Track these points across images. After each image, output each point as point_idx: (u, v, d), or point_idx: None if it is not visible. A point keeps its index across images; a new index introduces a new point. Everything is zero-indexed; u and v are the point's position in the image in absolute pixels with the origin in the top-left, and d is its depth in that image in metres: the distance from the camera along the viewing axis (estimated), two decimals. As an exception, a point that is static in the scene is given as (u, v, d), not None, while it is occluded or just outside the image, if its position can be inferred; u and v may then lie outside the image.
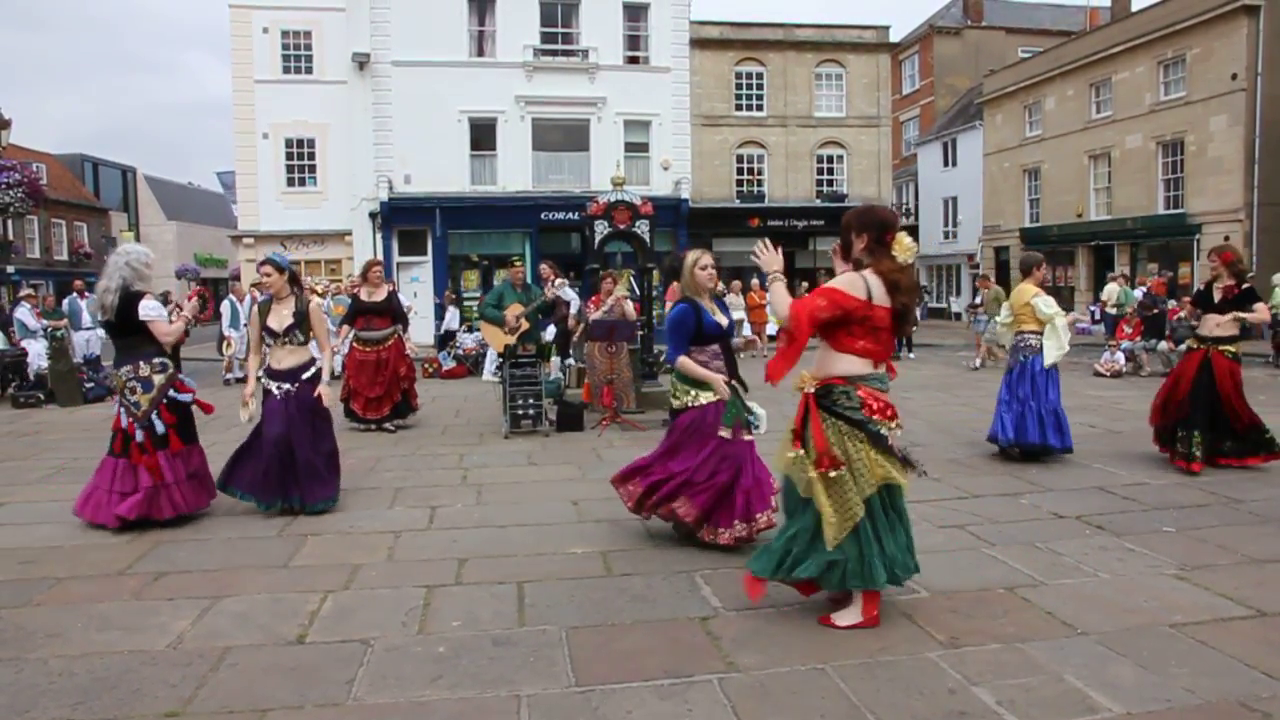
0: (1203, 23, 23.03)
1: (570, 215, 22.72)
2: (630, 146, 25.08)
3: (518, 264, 10.27)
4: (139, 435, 5.60)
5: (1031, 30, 38.53)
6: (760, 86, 26.65)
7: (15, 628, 3.94)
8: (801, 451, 3.82)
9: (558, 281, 10.06)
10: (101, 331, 15.18)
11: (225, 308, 16.50)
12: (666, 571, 4.62)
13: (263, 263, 5.97)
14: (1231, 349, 6.96)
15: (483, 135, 24.44)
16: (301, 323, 5.86)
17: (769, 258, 4.03)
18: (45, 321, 14.80)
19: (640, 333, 10.87)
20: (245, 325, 16.18)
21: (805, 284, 26.98)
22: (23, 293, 17.06)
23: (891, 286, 3.77)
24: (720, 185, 26.30)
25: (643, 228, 11.10)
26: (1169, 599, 4.12)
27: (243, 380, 15.80)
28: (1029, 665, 3.42)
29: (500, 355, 9.66)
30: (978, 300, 18.05)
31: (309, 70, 24.59)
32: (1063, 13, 40.09)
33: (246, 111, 24.36)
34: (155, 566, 4.83)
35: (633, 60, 25.29)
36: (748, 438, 5.07)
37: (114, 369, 5.82)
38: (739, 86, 26.54)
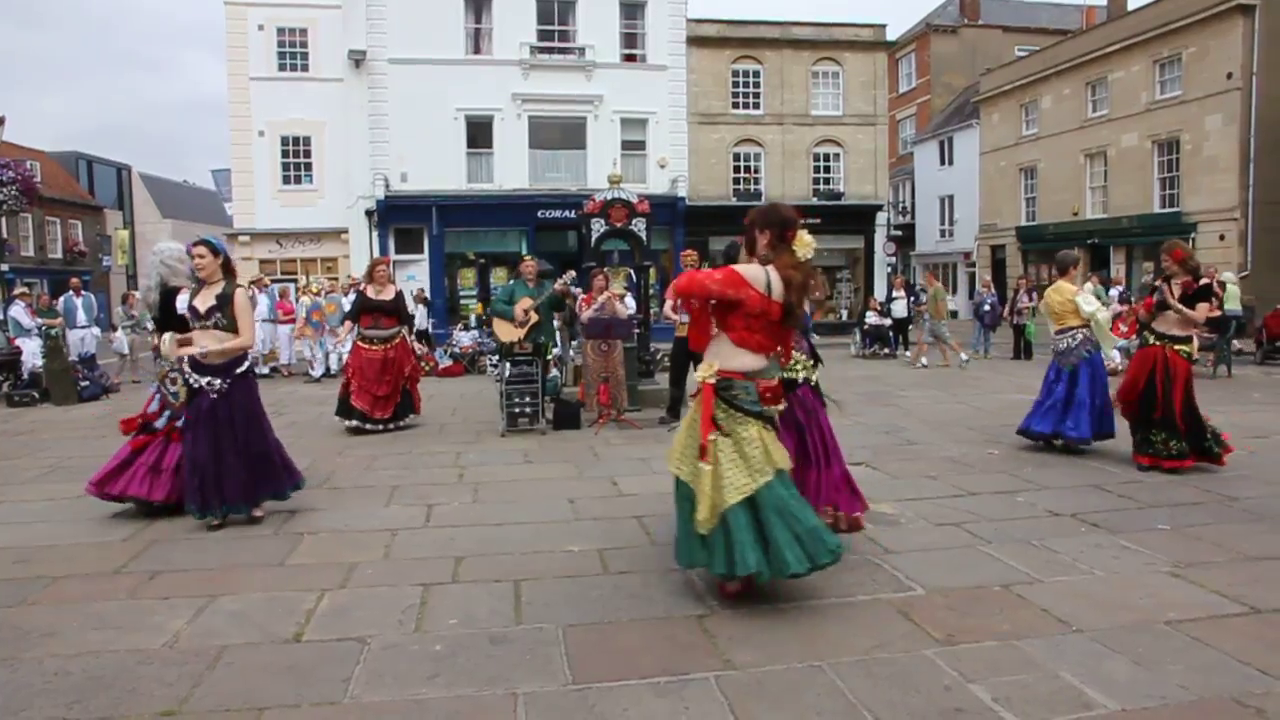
0: (1198, 22, 23.09)
1: (567, 213, 22.71)
2: (627, 145, 25.08)
3: (529, 260, 10.25)
4: (160, 422, 6.04)
5: (1028, 29, 38.60)
6: (757, 85, 26.66)
7: (10, 627, 3.93)
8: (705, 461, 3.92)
9: (568, 275, 10.04)
10: (97, 330, 15.19)
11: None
12: (663, 569, 4.62)
13: (197, 243, 5.59)
14: (1188, 349, 6.91)
15: (479, 133, 24.43)
16: (224, 307, 5.47)
17: None
18: (40, 320, 14.76)
19: (637, 331, 10.87)
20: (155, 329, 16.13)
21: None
22: (17, 291, 17.01)
23: (785, 282, 3.96)
24: (717, 183, 26.31)
25: (639, 226, 11.10)
26: (1164, 596, 4.13)
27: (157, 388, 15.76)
28: (1025, 662, 3.43)
29: (498, 352, 9.64)
30: (923, 302, 18.07)
31: (305, 68, 24.54)
32: (1059, 12, 40.16)
33: (242, 109, 24.31)
34: (151, 565, 4.82)
35: (629, 58, 25.29)
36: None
37: (155, 360, 6.18)
38: (736, 85, 26.55)
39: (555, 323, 10.95)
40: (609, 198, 11.02)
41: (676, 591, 4.30)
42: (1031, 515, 5.65)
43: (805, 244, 4.03)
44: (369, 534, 5.41)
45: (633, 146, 25.22)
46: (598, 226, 10.98)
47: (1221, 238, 22.88)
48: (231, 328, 5.50)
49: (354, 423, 9.33)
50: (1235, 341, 15.17)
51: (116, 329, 16.61)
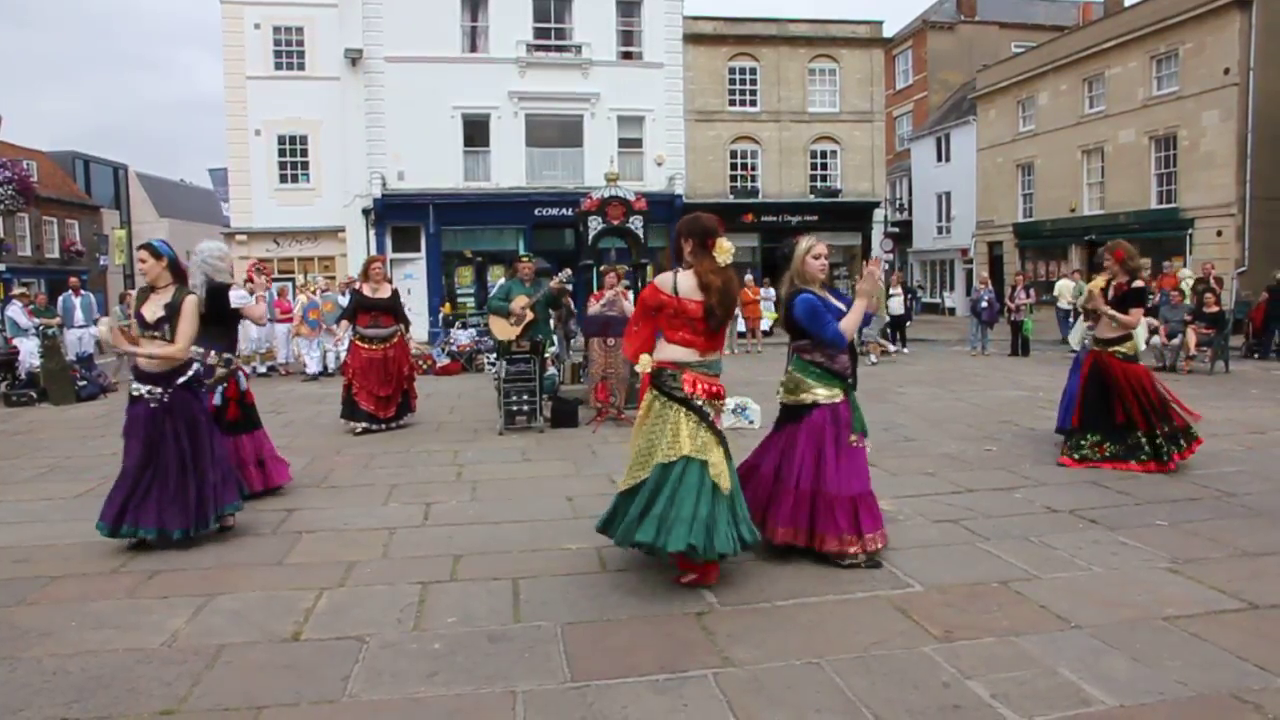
0: (1195, 17, 23.08)
1: (564, 211, 22.68)
2: (624, 142, 25.05)
3: (526, 259, 10.24)
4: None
5: (1025, 25, 38.57)
6: (754, 82, 26.63)
7: (9, 626, 3.93)
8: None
9: (564, 274, 10.02)
10: (94, 329, 15.15)
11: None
12: (661, 567, 4.61)
13: (140, 247, 5.31)
14: (1123, 350, 6.88)
15: (476, 131, 24.39)
16: (172, 317, 5.11)
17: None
18: (37, 320, 14.74)
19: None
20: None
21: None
22: (14, 291, 16.99)
23: (704, 286, 4.28)
24: (714, 181, 26.30)
25: (637, 224, 11.09)
26: (1162, 592, 4.14)
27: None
28: (1023, 659, 3.44)
29: (496, 350, 9.63)
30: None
31: (301, 66, 24.47)
32: (1056, 8, 40.14)
33: (239, 108, 24.25)
34: (149, 565, 4.82)
35: (626, 56, 25.25)
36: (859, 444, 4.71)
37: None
38: (732, 82, 26.52)
39: (551, 322, 10.94)
40: (606, 195, 11.02)
41: (675, 589, 4.30)
42: (1029, 512, 5.66)
43: (724, 250, 4.38)
44: (367, 532, 5.41)
45: (630, 144, 25.18)
46: (595, 224, 10.98)
47: (1219, 233, 22.88)
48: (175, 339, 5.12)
49: (363, 425, 9.26)
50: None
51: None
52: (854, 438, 4.60)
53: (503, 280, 15.38)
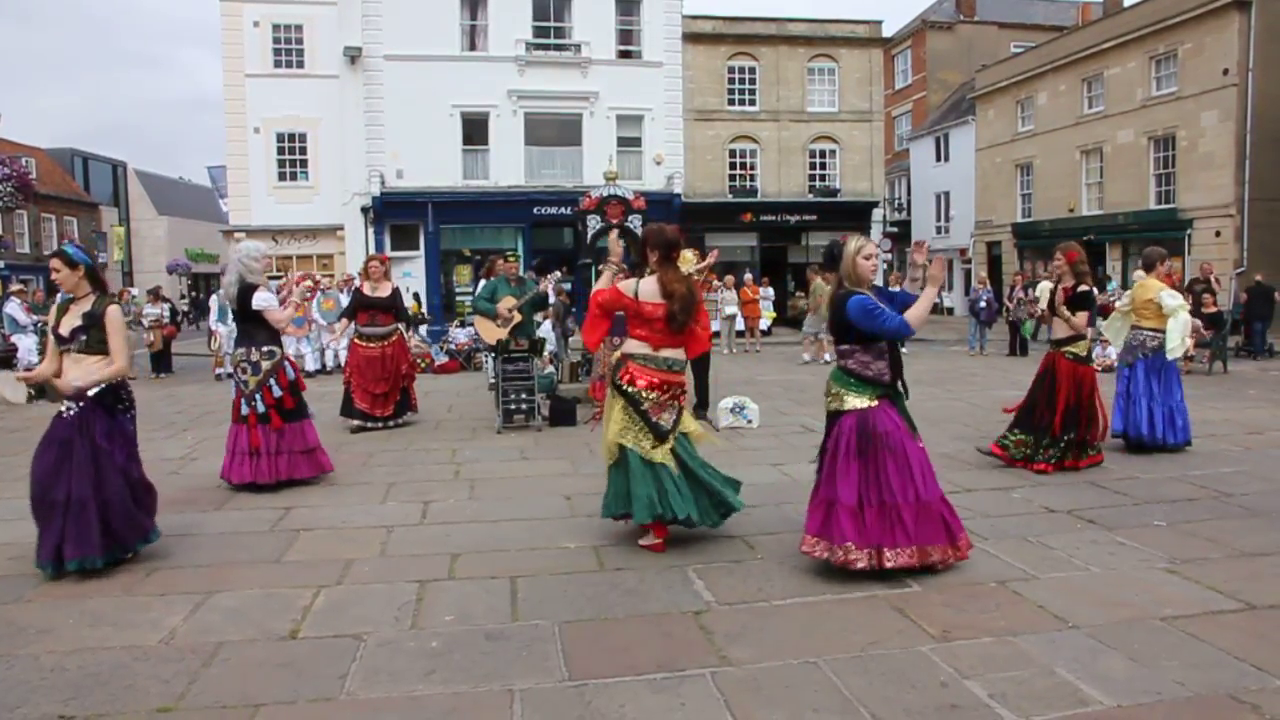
0: (1194, 18, 23.10)
1: (563, 210, 22.66)
2: (623, 141, 25.02)
3: (511, 258, 10.22)
4: (244, 409, 6.47)
5: (1024, 25, 38.59)
6: (753, 81, 26.64)
7: (6, 624, 3.93)
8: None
9: (553, 276, 10.03)
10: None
11: (214, 303, 16.45)
12: (659, 566, 4.62)
13: (52, 255, 4.89)
14: (1074, 350, 6.87)
15: (475, 130, 24.37)
16: (91, 328, 4.67)
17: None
18: (35, 317, 14.71)
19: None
20: (234, 321, 16.13)
21: (793, 282, 27.10)
22: (13, 287, 16.96)
23: (666, 294, 4.83)
24: (713, 180, 26.29)
25: (635, 223, 11.09)
26: (1160, 592, 4.14)
27: (234, 376, 15.82)
28: (1020, 658, 3.44)
29: (491, 349, 9.62)
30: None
31: (300, 64, 24.45)
32: (1055, 8, 40.17)
33: (238, 106, 24.23)
34: (147, 562, 4.81)
35: (625, 54, 25.23)
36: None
37: (232, 350, 6.80)
38: (731, 81, 26.53)
39: (549, 322, 10.94)
40: (605, 194, 11.02)
41: (673, 588, 4.30)
42: (1027, 511, 5.66)
43: (686, 260, 5.02)
44: (365, 531, 5.41)
45: (629, 143, 25.16)
46: (594, 223, 10.98)
47: (1217, 234, 22.91)
48: (100, 350, 4.70)
49: (356, 422, 9.31)
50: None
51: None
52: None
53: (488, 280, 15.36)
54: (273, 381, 6.48)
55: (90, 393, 4.66)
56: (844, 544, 4.23)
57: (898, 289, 4.74)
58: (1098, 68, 26.68)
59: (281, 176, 24.72)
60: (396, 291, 9.72)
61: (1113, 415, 7.52)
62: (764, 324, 21.56)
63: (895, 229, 34.96)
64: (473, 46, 24.49)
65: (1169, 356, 7.41)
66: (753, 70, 26.60)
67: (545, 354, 10.44)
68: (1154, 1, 24.66)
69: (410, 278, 23.85)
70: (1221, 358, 14.44)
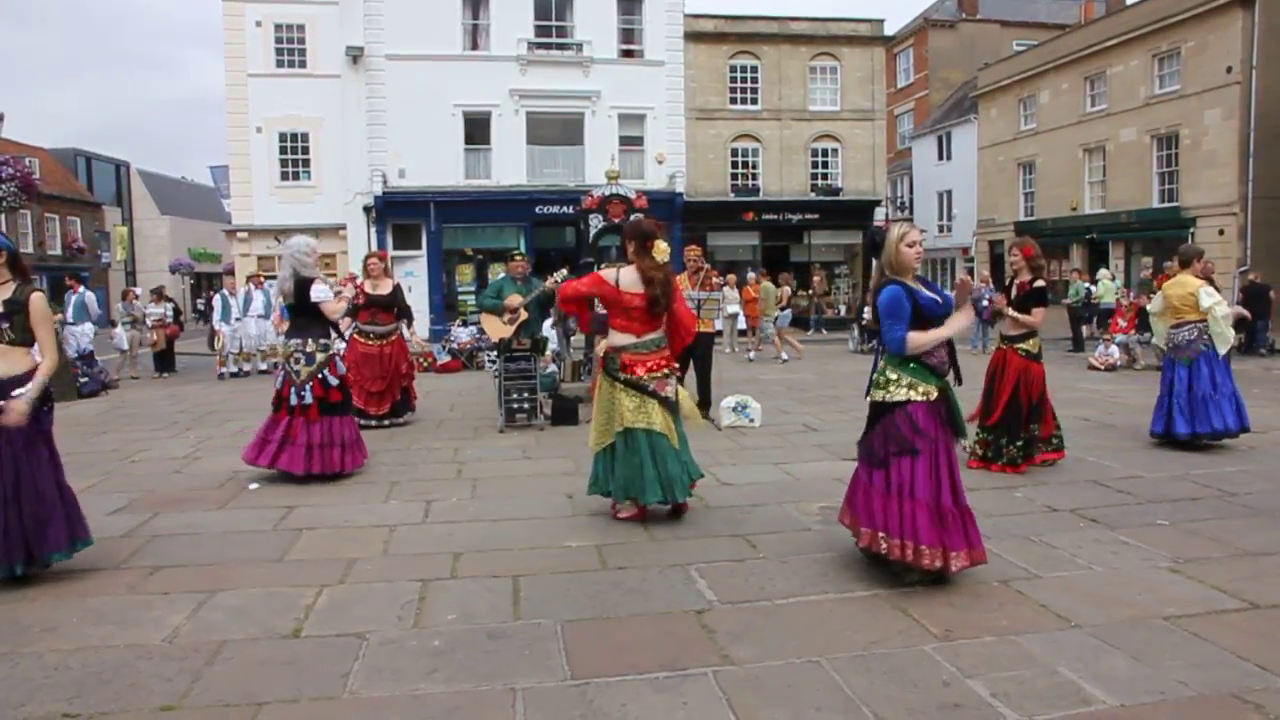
0: (1197, 16, 23.07)
1: (565, 209, 22.69)
2: (625, 140, 25.03)
3: (518, 257, 10.23)
4: (293, 398, 6.61)
5: (1026, 23, 38.58)
6: (755, 80, 26.62)
7: (10, 622, 3.93)
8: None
9: (559, 274, 10.00)
10: (90, 327, 15.14)
11: (217, 302, 16.47)
12: (661, 565, 4.62)
13: None
14: (1026, 346, 6.87)
15: (477, 129, 24.38)
16: (13, 315, 4.39)
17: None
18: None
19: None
20: (238, 320, 16.16)
21: (795, 280, 27.09)
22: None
23: (646, 280, 5.18)
24: (715, 179, 26.28)
25: (638, 222, 11.08)
26: (1163, 592, 4.14)
27: (237, 374, 15.88)
28: (1023, 658, 3.44)
29: (495, 348, 9.61)
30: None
31: (302, 64, 24.46)
32: (1058, 6, 40.12)
33: (240, 106, 24.24)
34: (150, 561, 4.82)
35: (627, 54, 25.23)
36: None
37: (284, 340, 6.91)
38: (733, 80, 26.51)
39: (549, 321, 10.94)
40: (607, 193, 11.01)
41: (675, 587, 4.30)
42: (1030, 510, 5.65)
43: (661, 250, 5.21)
44: (368, 529, 5.41)
45: (630, 142, 25.16)
46: (596, 222, 10.97)
47: (1221, 232, 22.87)
48: (24, 340, 4.44)
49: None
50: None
51: (116, 325, 16.60)
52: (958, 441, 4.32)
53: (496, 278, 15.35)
54: (325, 373, 6.69)
55: (15, 391, 4.29)
56: (919, 544, 4.08)
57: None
58: (1100, 66, 26.64)
59: (284, 176, 24.73)
60: (398, 288, 9.71)
61: (1173, 416, 7.51)
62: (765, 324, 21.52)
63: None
64: (474, 46, 24.50)
65: (1220, 352, 7.45)
66: (754, 69, 26.58)
67: (547, 352, 10.43)
68: (1157, -1, 24.64)
69: (412, 277, 23.88)
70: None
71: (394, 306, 9.49)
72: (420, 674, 3.38)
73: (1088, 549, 4.78)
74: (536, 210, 24.23)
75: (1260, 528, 5.15)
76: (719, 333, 14.28)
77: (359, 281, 9.68)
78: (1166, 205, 24.57)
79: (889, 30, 28.71)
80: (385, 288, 9.50)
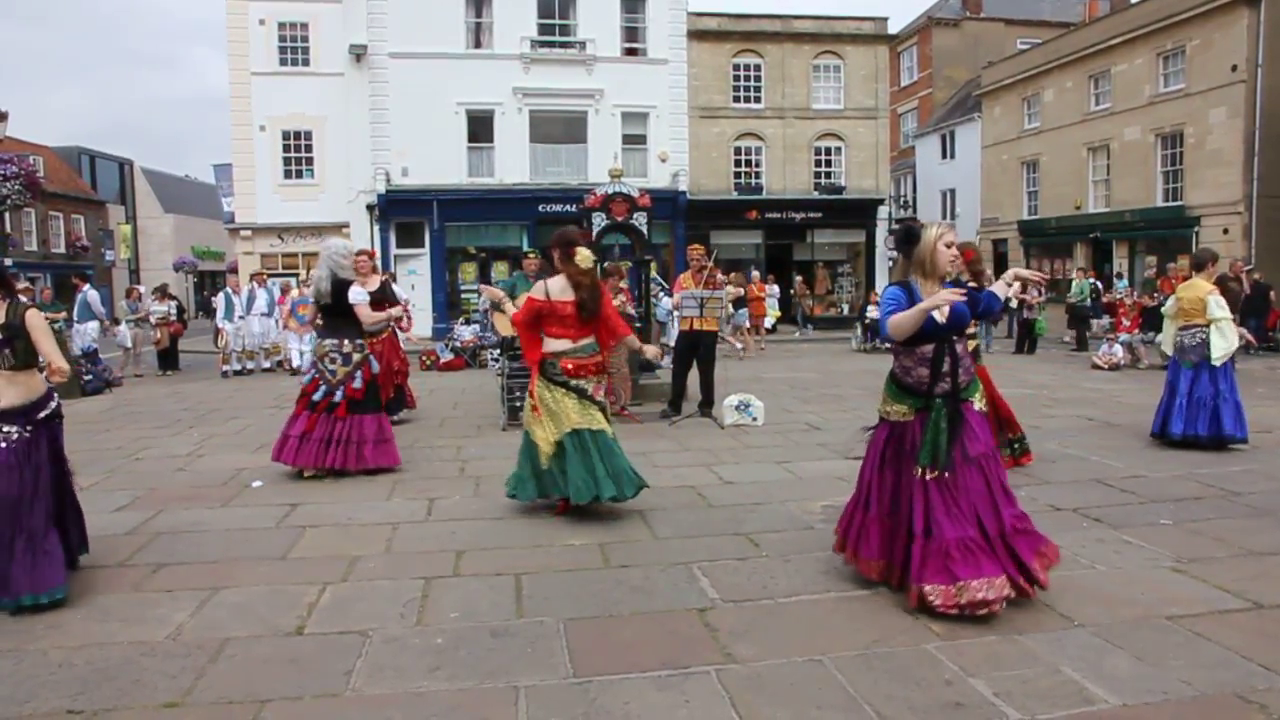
0: (1202, 14, 22.99)
1: (568, 207, 22.69)
2: (628, 139, 25.04)
3: (532, 255, 10.24)
4: (318, 394, 6.74)
5: (1030, 22, 38.44)
6: (758, 78, 26.60)
7: (15, 619, 3.94)
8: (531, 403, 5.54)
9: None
10: (94, 325, 15.18)
11: (220, 301, 16.49)
12: (664, 563, 4.62)
13: None
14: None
15: (480, 127, 24.39)
16: (15, 339, 4.10)
17: None
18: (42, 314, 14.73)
19: (637, 325, 10.86)
20: (240, 318, 16.18)
21: (800, 277, 27.07)
22: (19, 286, 16.98)
23: (575, 285, 5.40)
24: (718, 177, 26.27)
25: (640, 220, 11.07)
26: (1166, 591, 4.13)
27: (240, 372, 15.90)
28: (1026, 657, 3.43)
29: (498, 347, 9.61)
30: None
31: (306, 62, 24.50)
32: (1062, 4, 39.98)
33: (243, 104, 24.28)
34: (154, 558, 4.83)
35: (630, 52, 25.23)
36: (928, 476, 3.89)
37: (319, 339, 7.00)
38: (736, 78, 26.49)
39: None
40: (610, 192, 11.00)
41: (677, 585, 4.30)
42: (1033, 510, 5.60)
43: (584, 257, 5.41)
44: (370, 527, 5.42)
45: (633, 140, 25.17)
46: (599, 221, 10.96)
47: (1225, 231, 22.81)
48: (29, 362, 4.19)
49: None
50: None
51: (120, 323, 16.63)
52: (918, 469, 3.88)
53: (510, 276, 15.35)
54: (358, 374, 6.84)
55: (41, 414, 4.17)
56: (866, 556, 4.16)
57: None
58: (1105, 64, 26.57)
59: (287, 174, 24.77)
60: (386, 284, 9.78)
61: (1170, 416, 7.54)
62: (768, 322, 21.55)
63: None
64: (478, 44, 24.51)
65: (1213, 357, 7.41)
66: (758, 67, 26.56)
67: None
68: (1161, -3, 24.57)
69: (415, 275, 23.91)
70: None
71: (384, 301, 9.48)
72: (423, 672, 3.38)
73: (1091, 548, 4.78)
74: (539, 209, 24.24)
75: (1264, 527, 5.14)
76: (721, 331, 14.27)
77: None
78: (1171, 204, 24.51)
79: (893, 28, 28.70)
80: (373, 284, 9.48)
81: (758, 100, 26.63)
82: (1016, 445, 6.86)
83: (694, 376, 9.73)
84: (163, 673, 3.39)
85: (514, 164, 24.46)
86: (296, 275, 22.01)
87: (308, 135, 24.71)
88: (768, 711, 3.04)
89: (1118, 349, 15.19)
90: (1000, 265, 30.73)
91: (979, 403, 4.12)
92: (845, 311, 27.05)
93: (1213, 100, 22.97)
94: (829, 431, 8.74)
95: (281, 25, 24.28)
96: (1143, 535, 5.00)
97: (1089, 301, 19.31)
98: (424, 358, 15.49)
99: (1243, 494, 5.95)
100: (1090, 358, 15.74)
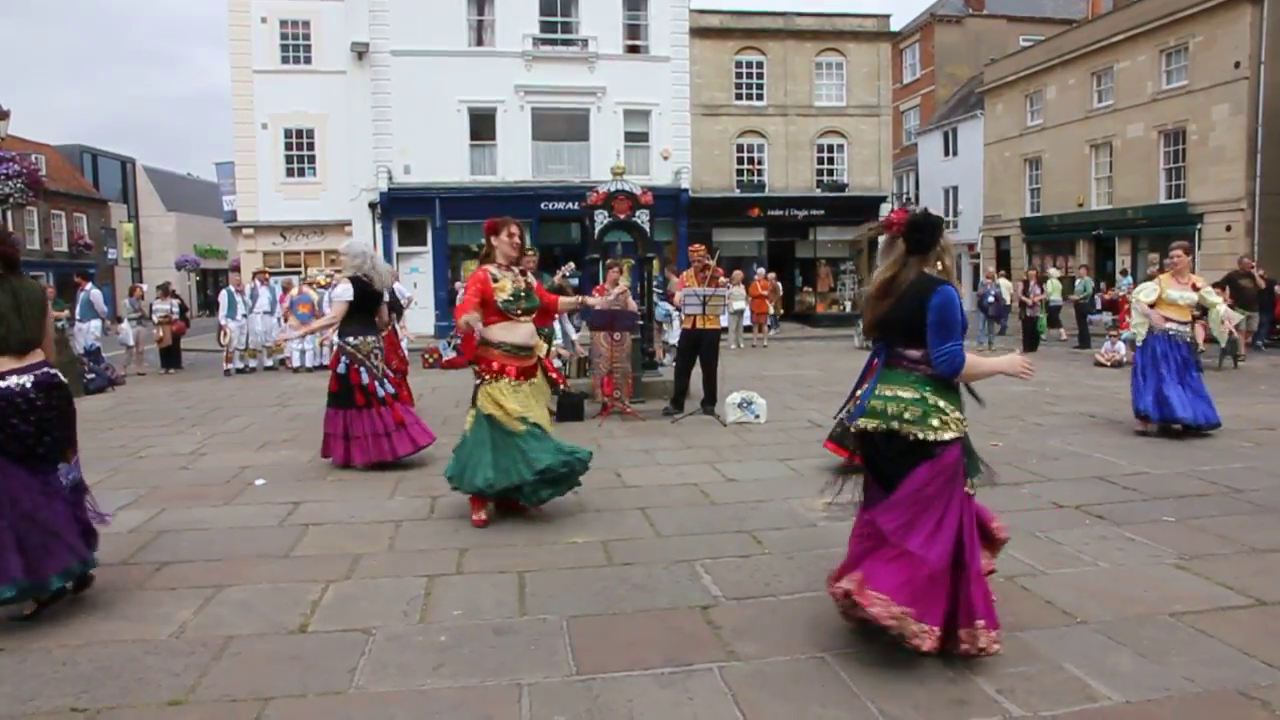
0: (1205, 11, 22.94)
1: (570, 205, 22.68)
2: (630, 136, 25.02)
3: (529, 252, 10.22)
4: (380, 390, 7.14)
5: (1033, 19, 38.36)
6: (760, 76, 26.57)
7: (18, 617, 3.95)
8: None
9: (565, 268, 10.01)
10: (96, 324, 15.18)
11: (223, 298, 16.51)
12: (667, 560, 4.62)
13: None
14: None
15: (482, 125, 24.38)
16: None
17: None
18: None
19: (640, 323, 10.86)
20: (243, 316, 16.19)
21: (800, 277, 27.04)
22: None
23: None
24: (720, 175, 26.25)
25: (643, 218, 11.07)
26: (1169, 588, 4.13)
27: (243, 371, 15.92)
28: (1028, 654, 3.43)
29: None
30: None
31: (308, 60, 24.52)
32: (1064, 1, 39.91)
33: (245, 102, 24.30)
34: (157, 556, 4.84)
35: (632, 49, 25.20)
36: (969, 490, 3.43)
37: (362, 337, 7.26)
38: (739, 76, 26.46)
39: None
40: (612, 189, 10.99)
41: (680, 582, 4.31)
42: (1035, 507, 5.64)
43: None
44: (373, 525, 5.43)
45: (636, 138, 25.15)
46: (601, 218, 10.95)
47: (1228, 228, 22.77)
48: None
49: None
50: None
51: (123, 321, 16.64)
52: (970, 484, 3.41)
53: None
54: (389, 367, 7.45)
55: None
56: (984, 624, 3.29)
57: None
58: (1107, 61, 26.52)
59: (289, 172, 24.79)
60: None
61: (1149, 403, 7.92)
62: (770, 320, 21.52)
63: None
64: (479, 42, 24.50)
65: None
66: (760, 65, 26.52)
67: (552, 347, 10.43)
68: (1164, -6, 24.51)
69: (417, 273, 23.91)
70: (1232, 353, 14.36)
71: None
72: (426, 669, 3.39)
73: (1094, 545, 4.78)
74: (541, 206, 24.22)
75: (1267, 524, 5.14)
76: (724, 329, 14.25)
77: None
78: (1173, 201, 24.46)
79: (895, 26, 28.65)
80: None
81: (760, 97, 26.60)
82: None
83: (697, 374, 9.73)
84: (166, 670, 3.40)
85: (516, 162, 24.45)
86: (299, 274, 22.03)
87: (310, 133, 24.72)
88: (771, 709, 3.05)
89: (1120, 346, 15.16)
90: (1002, 263, 30.71)
91: None
92: (847, 309, 27.01)
93: (1216, 97, 22.91)
94: (832, 429, 8.72)
95: (283, 23, 24.30)
96: (1145, 532, 5.00)
97: (1092, 298, 19.33)
98: (426, 355, 15.49)
99: (1245, 491, 5.94)
100: (1093, 355, 15.72)
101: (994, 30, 37.60)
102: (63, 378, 4.12)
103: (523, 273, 5.56)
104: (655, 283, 12.87)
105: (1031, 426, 8.82)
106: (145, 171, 49.01)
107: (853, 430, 3.63)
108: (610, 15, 24.70)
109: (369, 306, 7.32)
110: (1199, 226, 23.40)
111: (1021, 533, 5.01)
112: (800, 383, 12.71)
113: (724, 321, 12.36)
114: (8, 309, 3.88)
